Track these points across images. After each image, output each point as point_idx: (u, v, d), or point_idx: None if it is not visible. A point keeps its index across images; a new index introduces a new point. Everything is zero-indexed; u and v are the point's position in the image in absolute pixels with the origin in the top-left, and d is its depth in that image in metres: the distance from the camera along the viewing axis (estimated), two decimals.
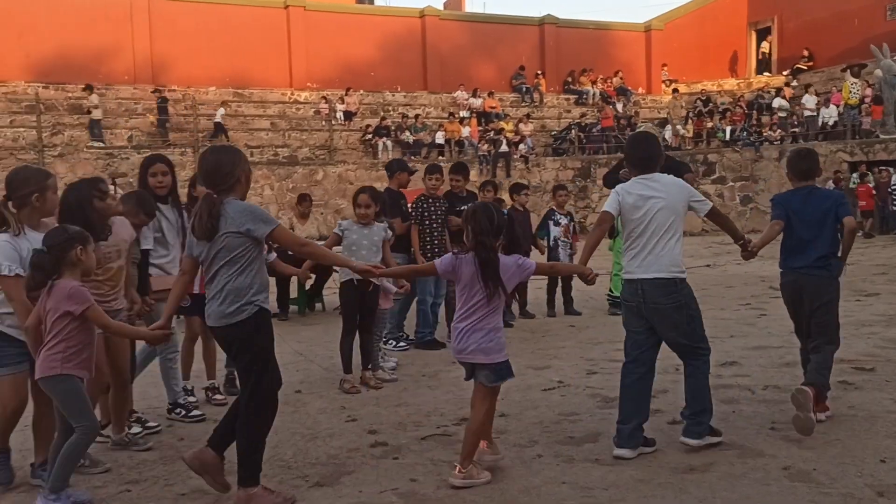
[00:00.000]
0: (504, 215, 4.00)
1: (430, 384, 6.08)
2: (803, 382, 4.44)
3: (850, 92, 21.43)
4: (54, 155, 19.47)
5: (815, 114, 22.35)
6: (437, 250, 7.15)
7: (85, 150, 20.09)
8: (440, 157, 22.54)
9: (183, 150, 21.06)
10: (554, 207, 9.52)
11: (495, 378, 3.88)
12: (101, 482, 4.09)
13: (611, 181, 9.63)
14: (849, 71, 21.85)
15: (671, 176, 4.32)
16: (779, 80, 27.67)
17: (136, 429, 4.77)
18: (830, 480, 3.71)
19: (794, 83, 26.75)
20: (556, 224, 9.22)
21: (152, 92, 22.36)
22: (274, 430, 4.90)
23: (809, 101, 22.65)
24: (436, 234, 7.32)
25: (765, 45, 29.23)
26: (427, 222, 7.30)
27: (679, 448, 4.27)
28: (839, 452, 4.09)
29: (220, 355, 5.12)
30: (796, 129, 22.77)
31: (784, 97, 24.16)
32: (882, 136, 20.51)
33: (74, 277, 3.66)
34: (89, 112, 20.97)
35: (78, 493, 3.73)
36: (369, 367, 6.10)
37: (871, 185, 19.24)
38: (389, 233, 6.21)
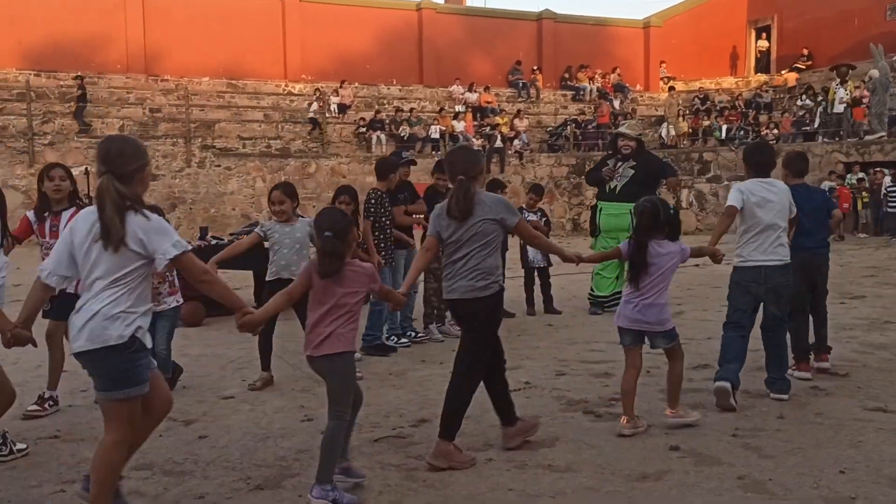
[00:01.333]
0: (669, 209, 4.63)
1: (396, 383, 5.95)
2: (817, 348, 5.86)
3: (836, 94, 21.23)
4: (44, 143, 19.33)
5: (844, 108, 21.40)
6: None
7: (75, 138, 19.95)
8: (434, 152, 22.40)
9: (175, 140, 20.93)
10: (524, 206, 9.43)
11: (670, 340, 4.64)
12: (36, 481, 3.98)
13: (593, 179, 9.52)
14: (835, 72, 21.63)
15: (782, 182, 5.36)
16: (777, 80, 27.50)
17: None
18: (785, 491, 3.59)
19: (793, 82, 26.61)
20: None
21: (73, 78, 21.88)
22: (226, 428, 4.86)
23: (841, 93, 21.62)
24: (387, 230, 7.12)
25: (762, 43, 28.99)
26: (383, 219, 7.11)
27: (636, 455, 4.15)
28: (798, 462, 3.96)
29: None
30: (807, 128, 22.43)
31: (811, 95, 23.77)
32: (867, 138, 20.37)
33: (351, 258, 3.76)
34: (82, 101, 20.77)
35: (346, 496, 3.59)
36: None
37: (848, 189, 19.17)
38: (311, 228, 5.82)
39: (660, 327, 4.56)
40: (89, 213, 3.17)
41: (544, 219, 9.48)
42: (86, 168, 11.00)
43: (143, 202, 3.22)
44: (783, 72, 27.33)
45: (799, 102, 24.03)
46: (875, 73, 20.69)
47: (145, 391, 3.22)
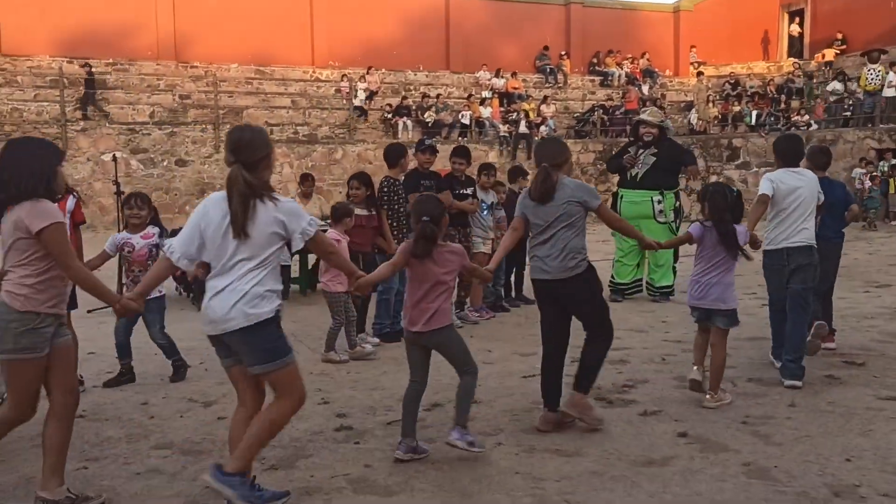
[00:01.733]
0: (734, 193, 5.05)
1: None
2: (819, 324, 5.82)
3: (867, 79, 20.77)
4: (77, 129, 19.66)
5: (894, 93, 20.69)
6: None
7: (107, 125, 20.26)
8: (461, 139, 22.41)
9: (203, 126, 21.16)
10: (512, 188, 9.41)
11: (730, 322, 4.90)
12: None
13: (614, 166, 9.50)
14: (867, 57, 21.16)
15: (810, 171, 5.60)
16: (810, 65, 27.02)
17: None
18: (789, 478, 3.62)
19: (828, 68, 26.11)
20: None
21: (82, 66, 22.05)
22: None
23: (891, 77, 20.69)
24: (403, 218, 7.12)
25: (794, 28, 28.46)
26: (397, 206, 7.15)
27: (644, 441, 4.20)
28: (806, 449, 3.98)
29: None
30: (848, 114, 21.97)
31: (841, 80, 23.30)
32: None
33: None
34: (90, 87, 20.90)
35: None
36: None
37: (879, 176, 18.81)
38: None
39: (723, 305, 4.86)
40: (221, 200, 3.33)
41: None
42: (114, 155, 11.20)
43: (271, 188, 3.37)
44: (823, 52, 26.80)
45: (829, 87, 23.57)
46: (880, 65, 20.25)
47: (294, 358, 3.45)
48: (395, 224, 7.15)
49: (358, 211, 6.86)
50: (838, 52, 26.26)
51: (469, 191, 7.86)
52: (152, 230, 5.63)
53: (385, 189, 7.17)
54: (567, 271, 4.35)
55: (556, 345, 4.53)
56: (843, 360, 5.82)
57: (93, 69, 21.49)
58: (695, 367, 5.10)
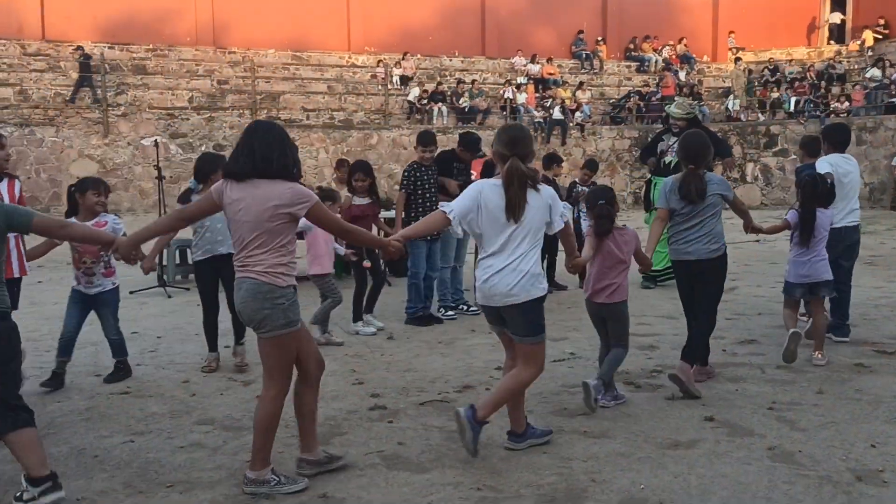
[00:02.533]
0: (828, 184, 5.56)
1: (444, 352, 6.17)
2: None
3: None
4: (118, 114, 20.06)
5: None
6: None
7: (147, 110, 20.64)
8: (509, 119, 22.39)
9: (241, 111, 21.45)
10: (577, 180, 9.47)
11: (832, 290, 5.71)
12: (108, 432, 4.33)
13: (645, 159, 9.50)
14: None
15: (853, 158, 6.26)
16: (851, 49, 26.50)
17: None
18: (813, 462, 3.68)
19: (869, 53, 25.59)
20: (576, 192, 9.22)
21: (74, 49, 21.83)
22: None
23: None
24: (427, 202, 7.22)
25: (835, 16, 27.83)
26: (420, 191, 7.25)
27: (671, 424, 4.28)
28: (831, 435, 4.03)
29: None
30: (894, 100, 21.53)
31: (880, 66, 22.85)
32: None
33: None
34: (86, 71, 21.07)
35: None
36: (242, 342, 5.79)
37: None
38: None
39: (827, 276, 5.54)
40: (496, 186, 3.75)
41: None
42: (155, 140, 11.44)
43: (538, 179, 3.83)
44: (863, 35, 26.27)
45: (868, 74, 23.11)
46: None
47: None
48: (418, 210, 7.21)
49: (358, 200, 6.99)
50: (878, 36, 25.69)
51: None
52: (105, 219, 5.32)
53: (406, 174, 7.35)
54: (710, 253, 4.86)
55: (695, 314, 5.02)
56: (874, 350, 5.82)
57: (90, 56, 21.57)
58: (790, 330, 5.47)
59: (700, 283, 4.92)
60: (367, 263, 6.95)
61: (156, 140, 11.10)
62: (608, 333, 4.76)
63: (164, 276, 9.33)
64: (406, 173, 7.37)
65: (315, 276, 6.60)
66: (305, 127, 21.83)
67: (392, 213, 8.20)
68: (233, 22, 24.83)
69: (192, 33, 24.69)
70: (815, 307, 5.66)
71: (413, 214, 7.21)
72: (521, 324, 3.79)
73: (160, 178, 10.66)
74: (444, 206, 3.84)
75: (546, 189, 3.82)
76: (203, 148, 20.28)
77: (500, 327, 3.95)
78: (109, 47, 23.03)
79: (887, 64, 22.71)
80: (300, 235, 6.67)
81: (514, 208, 3.68)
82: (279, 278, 3.44)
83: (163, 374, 5.61)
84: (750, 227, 5.46)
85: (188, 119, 20.53)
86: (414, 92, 23.44)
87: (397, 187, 8.54)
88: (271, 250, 3.42)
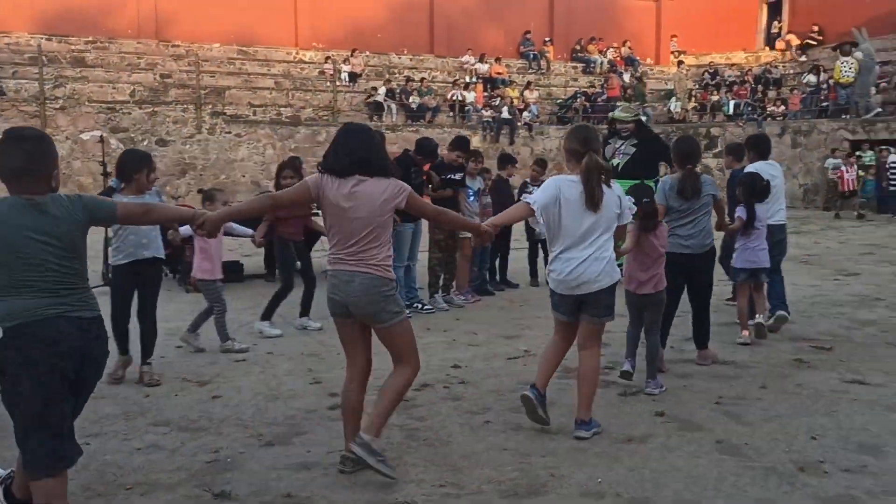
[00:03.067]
0: (763, 181, 6.18)
1: None
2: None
3: (842, 71, 21.14)
4: (56, 108, 19.51)
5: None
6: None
7: (87, 103, 20.13)
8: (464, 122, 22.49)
9: (185, 106, 21.08)
10: (528, 180, 9.61)
11: (768, 275, 6.52)
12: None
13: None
14: (839, 50, 21.51)
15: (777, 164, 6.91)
16: (787, 55, 27.41)
17: None
18: (758, 455, 3.86)
19: (804, 58, 26.49)
20: (528, 193, 9.36)
21: None
22: (238, 389, 5.14)
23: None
24: None
25: (776, 26, 28.66)
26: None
27: (624, 420, 4.43)
28: (774, 428, 4.23)
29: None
30: (826, 104, 22.32)
31: (815, 72, 23.67)
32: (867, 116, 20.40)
33: None
34: None
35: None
36: (148, 361, 5.39)
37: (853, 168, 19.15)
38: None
39: (766, 263, 6.29)
40: (571, 181, 4.10)
41: None
42: (101, 135, 11.19)
43: (611, 173, 4.29)
44: (785, 35, 27.22)
45: (804, 79, 23.96)
46: (859, 55, 20.61)
47: None
48: None
49: None
50: (814, 43, 26.61)
51: (458, 176, 8.03)
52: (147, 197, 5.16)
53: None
54: (703, 248, 5.42)
55: (691, 305, 5.66)
56: (812, 346, 6.09)
57: None
58: (759, 315, 6.27)
59: (694, 275, 5.44)
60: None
61: (101, 135, 10.86)
62: (642, 320, 5.18)
63: (109, 275, 9.14)
64: None
65: (202, 280, 6.24)
66: (252, 123, 21.58)
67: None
68: (176, 14, 24.37)
69: (134, 25, 24.14)
70: (757, 291, 6.38)
71: None
72: (601, 306, 4.19)
73: (105, 173, 10.42)
74: (528, 198, 4.21)
75: (614, 184, 4.19)
76: (145, 143, 19.90)
77: (570, 317, 4.28)
78: (47, 39, 22.38)
79: (822, 69, 23.53)
80: (189, 240, 6.51)
81: (594, 198, 4.03)
82: (389, 272, 3.66)
83: (190, 362, 5.53)
84: (723, 226, 5.99)
85: (130, 113, 20.09)
86: (381, 91, 23.34)
87: None
88: (382, 244, 3.62)
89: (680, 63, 27.13)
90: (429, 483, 3.60)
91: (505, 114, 23.11)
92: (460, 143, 8.14)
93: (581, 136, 4.17)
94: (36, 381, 2.79)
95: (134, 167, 5.12)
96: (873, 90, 20.76)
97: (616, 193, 4.18)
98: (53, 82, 20.62)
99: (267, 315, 6.83)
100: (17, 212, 2.81)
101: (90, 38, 23.13)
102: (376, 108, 22.99)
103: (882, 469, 3.69)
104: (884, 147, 19.23)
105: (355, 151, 3.60)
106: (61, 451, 2.88)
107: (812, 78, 23.45)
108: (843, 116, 21.30)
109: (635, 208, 4.41)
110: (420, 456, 3.92)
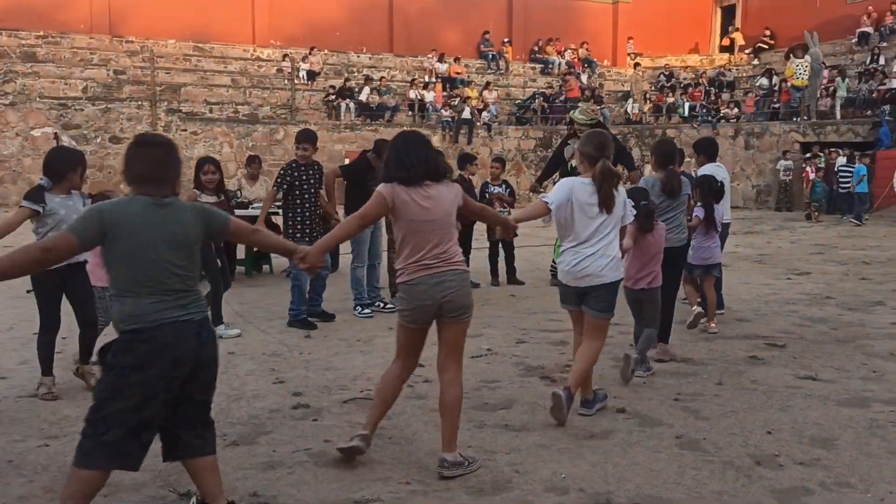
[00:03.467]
0: (718, 183, 6.64)
1: (363, 349, 6.23)
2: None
3: (795, 73, 21.72)
4: (6, 104, 19.04)
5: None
6: (307, 218, 7.07)
7: (38, 99, 19.68)
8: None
9: (140, 103, 20.74)
10: (488, 181, 9.68)
11: (720, 271, 7.17)
12: (20, 436, 4.19)
13: (546, 176, 9.68)
14: (792, 54, 22.11)
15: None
16: (739, 58, 28.04)
17: None
18: (716, 449, 3.96)
19: (756, 62, 27.11)
20: (490, 194, 9.45)
21: None
22: None
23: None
24: (307, 203, 7.08)
25: (735, 33, 29.21)
26: (297, 191, 7.05)
27: (586, 417, 4.51)
28: (731, 423, 4.34)
29: None
30: (777, 106, 22.86)
31: (769, 76, 24.23)
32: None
33: None
34: None
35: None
36: (92, 360, 5.06)
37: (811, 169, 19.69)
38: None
39: (719, 259, 6.86)
40: (583, 183, 4.33)
41: (509, 190, 9.72)
42: (55, 132, 10.97)
43: (621, 177, 4.57)
44: (730, 31, 27.87)
45: (757, 83, 24.53)
46: (807, 58, 21.24)
47: None
48: (298, 211, 7.03)
49: (206, 198, 6.68)
50: (766, 47, 27.23)
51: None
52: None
53: (281, 172, 7.11)
54: (679, 242, 5.75)
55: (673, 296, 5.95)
56: (766, 343, 6.26)
57: None
58: (694, 308, 6.60)
59: (666, 268, 5.57)
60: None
61: (56, 133, 10.63)
62: (643, 315, 5.41)
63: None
64: (282, 171, 7.14)
65: (97, 288, 5.37)
66: (208, 120, 21.33)
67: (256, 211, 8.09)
68: (130, 9, 23.97)
69: (87, 20, 23.69)
70: (707, 284, 6.76)
71: (291, 215, 7.04)
72: (600, 301, 4.38)
73: None
74: (545, 197, 4.40)
75: (620, 188, 4.40)
76: (98, 140, 19.54)
77: (575, 307, 4.52)
78: None
79: (773, 72, 24.11)
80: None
81: (607, 202, 4.28)
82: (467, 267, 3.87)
83: (72, 376, 5.42)
84: (687, 223, 6.25)
85: (82, 110, 19.71)
86: (365, 92, 23.22)
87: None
88: (455, 243, 3.77)
89: (636, 65, 27.53)
90: (395, 480, 3.62)
91: (466, 114, 23.19)
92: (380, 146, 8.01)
93: (596, 142, 4.37)
94: (141, 384, 2.86)
95: (68, 166, 4.88)
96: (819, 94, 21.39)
97: (623, 196, 4.46)
98: (3, 77, 20.16)
99: (217, 320, 6.53)
100: (151, 212, 2.91)
101: (41, 33, 22.64)
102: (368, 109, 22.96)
103: (834, 462, 3.82)
104: (833, 149, 19.78)
105: (427, 160, 3.71)
106: (128, 451, 2.92)
107: (764, 81, 24.02)
108: (794, 119, 21.86)
109: (635, 210, 4.72)
110: (386, 454, 3.94)
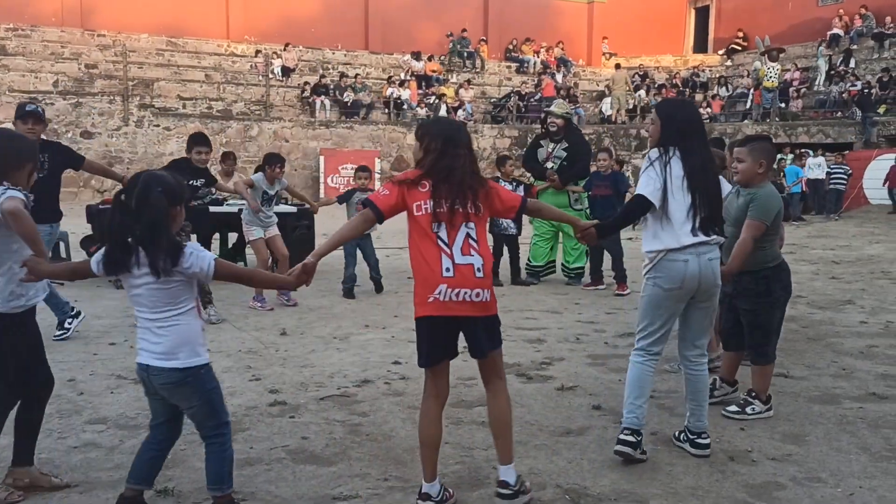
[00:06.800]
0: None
1: (339, 346, 6.22)
2: None
3: (767, 75, 22.04)
4: None
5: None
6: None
7: (7, 93, 19.36)
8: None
9: (112, 97, 20.49)
10: (500, 176, 9.57)
11: None
12: None
13: (530, 162, 9.76)
14: (766, 56, 22.43)
15: None
16: (713, 59, 28.34)
17: None
18: None
19: (728, 63, 27.43)
20: None
21: None
22: None
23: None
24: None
25: (712, 35, 29.62)
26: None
27: (562, 413, 4.54)
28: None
29: None
30: (749, 107, 23.17)
31: (741, 77, 24.57)
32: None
33: None
34: None
35: None
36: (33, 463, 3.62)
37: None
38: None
39: None
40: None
41: (518, 188, 9.57)
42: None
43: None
44: (719, 56, 28.11)
45: (730, 83, 24.85)
46: (758, 64, 21.61)
47: None
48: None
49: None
50: (738, 48, 27.54)
51: (200, 182, 7.85)
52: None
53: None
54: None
55: None
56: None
57: None
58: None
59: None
60: None
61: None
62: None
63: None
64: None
65: None
66: (182, 116, 21.14)
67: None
68: (102, 2, 23.69)
69: (58, 13, 23.36)
70: None
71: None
72: None
73: None
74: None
75: None
76: (69, 135, 19.28)
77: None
78: None
79: (746, 74, 24.42)
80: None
81: None
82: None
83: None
84: None
85: (53, 104, 19.46)
86: (347, 95, 23.14)
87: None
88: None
89: (617, 66, 27.71)
90: (373, 477, 3.63)
91: (441, 112, 23.21)
92: (197, 140, 7.66)
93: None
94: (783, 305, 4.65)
95: (14, 162, 4.36)
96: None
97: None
98: None
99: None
100: None
101: (11, 26, 22.29)
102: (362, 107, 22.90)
103: (805, 457, 3.89)
104: (803, 150, 20.08)
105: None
106: None
107: (740, 82, 24.33)
108: (766, 120, 22.16)
109: None
110: (364, 450, 3.95)
